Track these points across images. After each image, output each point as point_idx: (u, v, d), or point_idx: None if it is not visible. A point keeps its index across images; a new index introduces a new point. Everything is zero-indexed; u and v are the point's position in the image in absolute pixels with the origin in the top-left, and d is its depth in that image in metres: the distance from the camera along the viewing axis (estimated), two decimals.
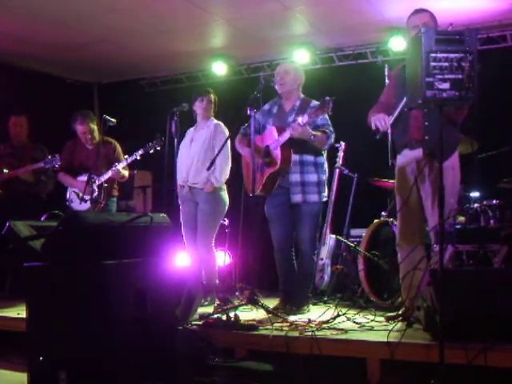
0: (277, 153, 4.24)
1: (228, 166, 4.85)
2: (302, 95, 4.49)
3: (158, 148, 5.08)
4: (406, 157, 3.75)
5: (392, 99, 3.79)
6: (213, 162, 4.42)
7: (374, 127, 3.61)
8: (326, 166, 4.46)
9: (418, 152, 3.65)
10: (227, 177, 4.86)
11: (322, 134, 4.22)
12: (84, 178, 5.28)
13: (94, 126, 5.46)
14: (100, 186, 5.24)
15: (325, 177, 4.43)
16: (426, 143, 3.59)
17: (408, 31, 3.75)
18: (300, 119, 4.03)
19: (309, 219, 4.31)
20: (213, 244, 4.86)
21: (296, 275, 4.40)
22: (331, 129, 4.31)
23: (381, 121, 3.57)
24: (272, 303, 4.30)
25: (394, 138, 3.83)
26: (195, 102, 4.91)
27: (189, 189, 4.86)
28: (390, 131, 3.91)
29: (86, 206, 5.26)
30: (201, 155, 4.80)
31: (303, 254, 4.34)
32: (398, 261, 3.83)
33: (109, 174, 5.23)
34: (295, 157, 4.25)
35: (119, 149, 5.50)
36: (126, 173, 5.45)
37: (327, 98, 3.94)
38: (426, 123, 3.59)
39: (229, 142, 4.70)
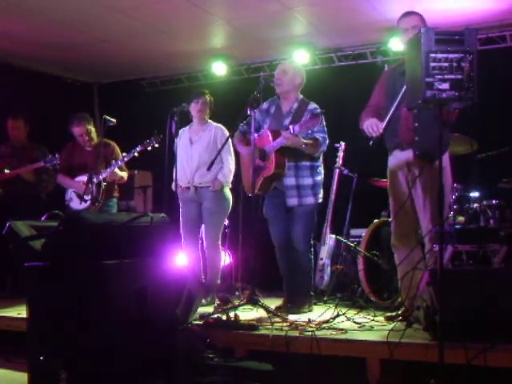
0: (271, 157, 4.27)
1: (233, 166, 4.90)
2: (301, 96, 4.48)
3: (156, 145, 5.07)
4: (397, 158, 3.75)
5: (382, 102, 3.79)
6: (212, 163, 4.43)
7: (367, 133, 3.61)
8: (321, 168, 4.46)
9: (409, 153, 3.65)
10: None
11: (313, 142, 4.23)
12: (82, 178, 5.27)
13: (91, 128, 5.45)
14: (98, 185, 5.23)
15: (320, 178, 4.44)
16: (416, 144, 3.59)
17: (400, 34, 3.76)
18: (291, 128, 4.05)
19: (303, 218, 4.33)
20: (219, 242, 4.91)
21: (295, 275, 4.40)
22: (325, 136, 4.32)
23: (373, 126, 3.57)
24: (272, 303, 4.31)
25: (385, 139, 3.83)
26: (191, 103, 4.93)
27: (194, 189, 4.88)
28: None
29: (86, 206, 5.25)
30: (205, 156, 4.81)
31: (299, 253, 4.35)
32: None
33: (106, 173, 5.21)
34: (291, 162, 4.27)
35: (118, 150, 5.49)
36: (123, 174, 5.43)
37: (318, 110, 4.08)
38: (416, 124, 3.58)
39: (231, 142, 4.72)
